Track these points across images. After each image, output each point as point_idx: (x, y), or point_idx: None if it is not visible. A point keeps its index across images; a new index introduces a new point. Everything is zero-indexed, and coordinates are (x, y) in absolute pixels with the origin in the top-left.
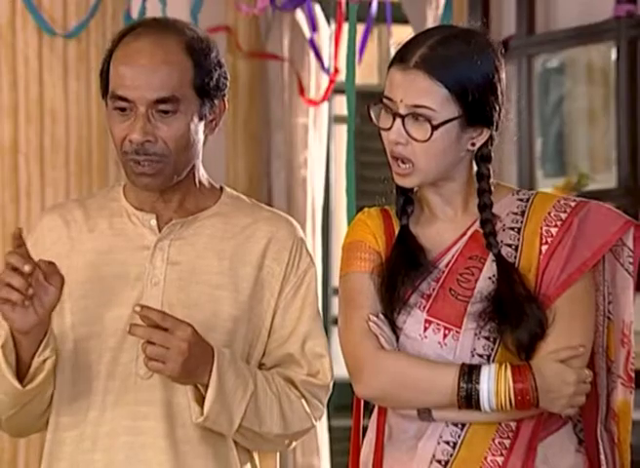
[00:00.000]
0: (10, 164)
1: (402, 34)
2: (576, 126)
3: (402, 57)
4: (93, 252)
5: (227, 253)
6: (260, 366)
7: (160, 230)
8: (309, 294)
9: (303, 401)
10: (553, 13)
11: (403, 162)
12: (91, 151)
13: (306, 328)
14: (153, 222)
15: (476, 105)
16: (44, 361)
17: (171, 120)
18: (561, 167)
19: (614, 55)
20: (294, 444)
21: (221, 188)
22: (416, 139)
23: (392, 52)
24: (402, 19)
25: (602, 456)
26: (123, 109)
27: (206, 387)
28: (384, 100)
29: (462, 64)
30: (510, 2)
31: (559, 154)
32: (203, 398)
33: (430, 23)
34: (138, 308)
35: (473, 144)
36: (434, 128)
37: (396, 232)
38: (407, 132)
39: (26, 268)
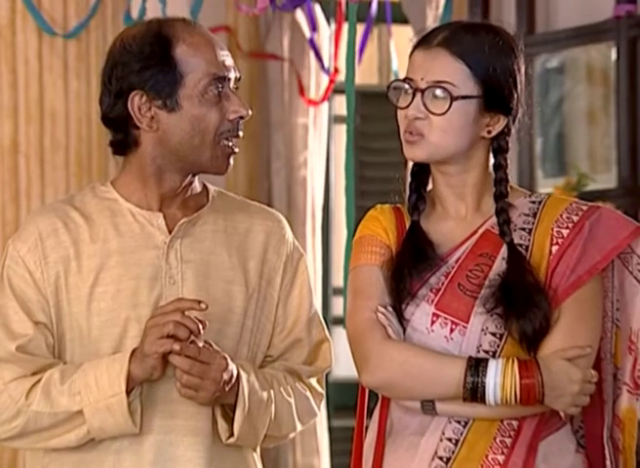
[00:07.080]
0: (10, 164)
1: (402, 34)
2: (576, 126)
3: (425, 39)
4: (101, 254)
5: (234, 249)
6: (267, 357)
7: (168, 228)
8: (305, 282)
9: (309, 393)
10: (553, 13)
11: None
12: (91, 151)
13: (307, 315)
14: (161, 221)
15: (495, 88)
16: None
17: None
18: (561, 167)
19: (614, 55)
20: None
21: (204, 184)
22: (434, 113)
23: (392, 52)
24: (402, 20)
25: (608, 462)
26: (219, 91)
27: (232, 407)
28: (405, 82)
29: (485, 48)
30: (510, 2)
31: (559, 154)
32: (228, 414)
33: (430, 23)
34: (177, 347)
35: (489, 132)
36: (453, 99)
37: (407, 228)
38: (425, 106)
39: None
